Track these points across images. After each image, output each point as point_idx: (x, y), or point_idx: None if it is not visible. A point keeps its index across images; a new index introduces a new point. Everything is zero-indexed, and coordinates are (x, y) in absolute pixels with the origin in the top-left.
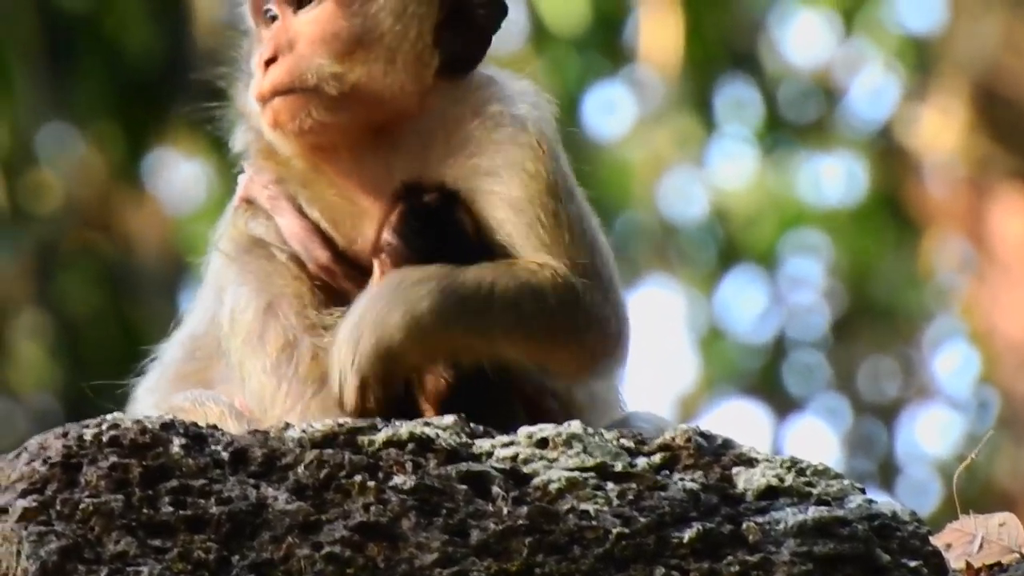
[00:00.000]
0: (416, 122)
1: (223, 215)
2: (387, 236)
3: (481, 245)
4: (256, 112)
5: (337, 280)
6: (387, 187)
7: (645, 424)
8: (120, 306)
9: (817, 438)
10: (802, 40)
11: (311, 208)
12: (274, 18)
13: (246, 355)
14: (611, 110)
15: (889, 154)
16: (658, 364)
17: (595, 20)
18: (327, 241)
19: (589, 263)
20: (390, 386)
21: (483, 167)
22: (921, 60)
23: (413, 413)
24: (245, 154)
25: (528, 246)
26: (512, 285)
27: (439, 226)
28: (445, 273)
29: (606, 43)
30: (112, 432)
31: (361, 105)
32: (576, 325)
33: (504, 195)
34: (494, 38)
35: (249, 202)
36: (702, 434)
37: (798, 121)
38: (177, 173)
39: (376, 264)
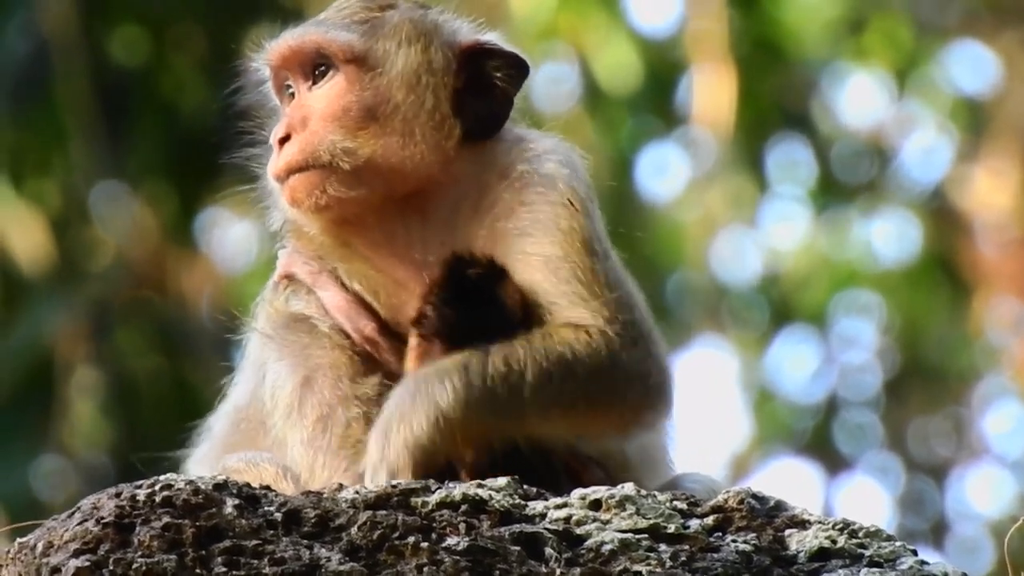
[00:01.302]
0: (444, 189)
1: (262, 291)
2: (426, 308)
3: (526, 318)
4: (276, 190)
5: (381, 352)
6: (420, 256)
7: (695, 485)
8: (174, 365)
9: (869, 497)
10: (855, 101)
11: (351, 281)
12: (293, 95)
13: (286, 428)
14: (664, 171)
15: (941, 215)
16: (710, 424)
17: (648, 81)
18: (371, 313)
19: (627, 318)
20: (427, 475)
21: (515, 229)
22: (974, 121)
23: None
24: (282, 231)
25: (565, 302)
26: (547, 360)
27: (481, 301)
28: (472, 361)
29: (659, 104)
30: (165, 492)
31: (379, 178)
32: (616, 385)
33: (538, 255)
34: (537, 98)
35: (290, 278)
36: (755, 496)
37: (851, 182)
38: (230, 232)
39: (412, 336)
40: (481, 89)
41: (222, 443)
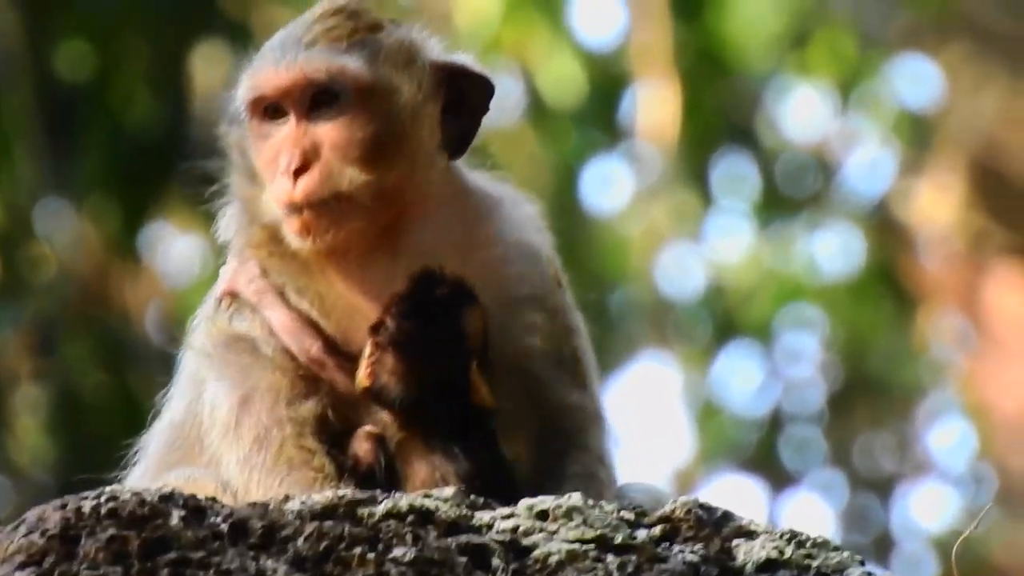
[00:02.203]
0: (424, 213)
1: (200, 307)
2: (386, 317)
3: (477, 350)
4: (274, 215)
5: (328, 371)
6: (389, 280)
7: (640, 495)
8: (119, 379)
9: (813, 513)
10: (799, 114)
11: (301, 299)
12: (277, 115)
13: (223, 447)
14: (609, 184)
15: (885, 228)
16: (654, 438)
17: (593, 94)
18: (318, 332)
19: (604, 419)
20: None
21: (503, 298)
22: (918, 135)
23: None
24: (231, 245)
25: (561, 385)
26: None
27: (443, 320)
28: None
29: (604, 117)
30: (111, 504)
31: (389, 207)
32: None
33: (529, 327)
34: (487, 116)
35: (233, 295)
36: (702, 506)
37: (795, 195)
38: (174, 246)
39: (368, 343)
40: (455, 109)
41: (159, 461)
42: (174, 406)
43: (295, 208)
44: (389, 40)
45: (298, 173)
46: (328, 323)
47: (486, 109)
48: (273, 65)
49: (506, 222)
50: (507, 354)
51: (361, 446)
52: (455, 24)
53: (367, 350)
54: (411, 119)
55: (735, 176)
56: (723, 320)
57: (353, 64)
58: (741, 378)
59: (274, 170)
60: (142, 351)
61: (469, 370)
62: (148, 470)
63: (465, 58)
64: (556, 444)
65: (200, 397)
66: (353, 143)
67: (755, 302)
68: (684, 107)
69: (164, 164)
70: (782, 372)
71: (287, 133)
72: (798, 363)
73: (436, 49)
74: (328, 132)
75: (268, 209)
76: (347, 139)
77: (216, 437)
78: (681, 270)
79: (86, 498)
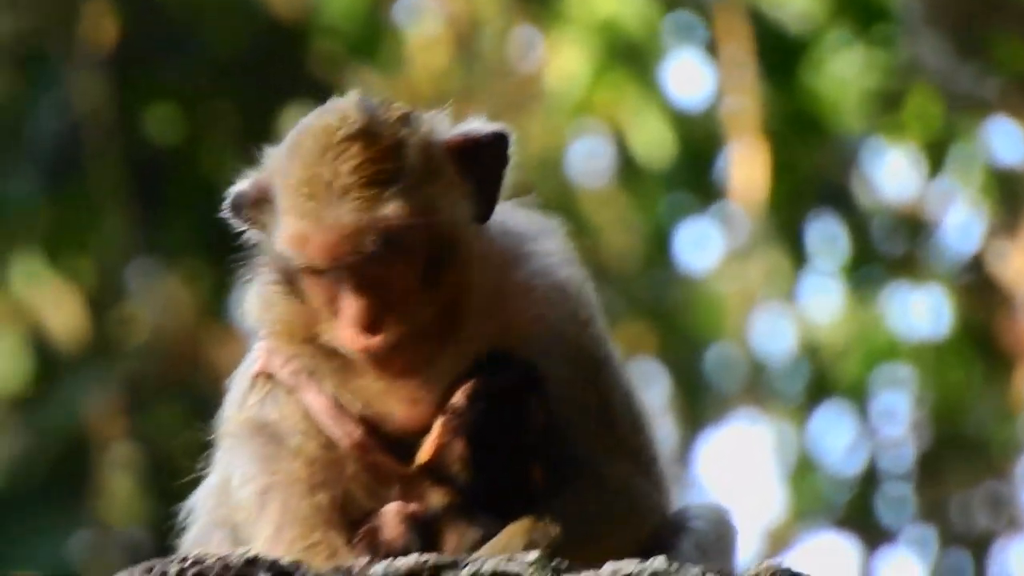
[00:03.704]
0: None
1: (231, 391)
2: (458, 400)
3: (540, 437)
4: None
5: (370, 455)
6: (423, 366)
7: (699, 521)
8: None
9: (906, 570)
10: (891, 175)
11: (332, 383)
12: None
13: (249, 530)
14: (701, 245)
15: (978, 288)
16: (747, 497)
17: (684, 155)
18: (356, 416)
19: (644, 454)
20: None
21: (539, 345)
22: (1010, 193)
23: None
24: (258, 329)
25: (597, 450)
26: (601, 523)
27: (509, 406)
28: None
29: (695, 178)
30: (196, 568)
31: (453, 308)
32: (634, 524)
33: (562, 380)
34: (573, 173)
35: (267, 376)
36: (786, 571)
37: (887, 255)
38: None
39: (437, 425)
40: (475, 175)
41: (208, 520)
42: (215, 471)
43: (373, 353)
44: (417, 158)
45: (372, 327)
46: (361, 406)
47: (506, 162)
48: (317, 234)
49: (532, 263)
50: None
51: (392, 530)
52: (545, 85)
53: (435, 431)
54: (452, 225)
55: (827, 236)
56: (816, 380)
57: (394, 212)
58: (834, 437)
59: (332, 311)
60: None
61: (532, 458)
62: (200, 529)
63: (472, 125)
64: (569, 474)
65: (230, 471)
66: (410, 281)
67: (848, 361)
68: (775, 167)
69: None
70: (875, 430)
71: (345, 287)
72: (891, 422)
73: (444, 128)
74: (387, 277)
75: (326, 335)
76: (404, 280)
77: (244, 518)
78: (774, 330)
79: (172, 561)
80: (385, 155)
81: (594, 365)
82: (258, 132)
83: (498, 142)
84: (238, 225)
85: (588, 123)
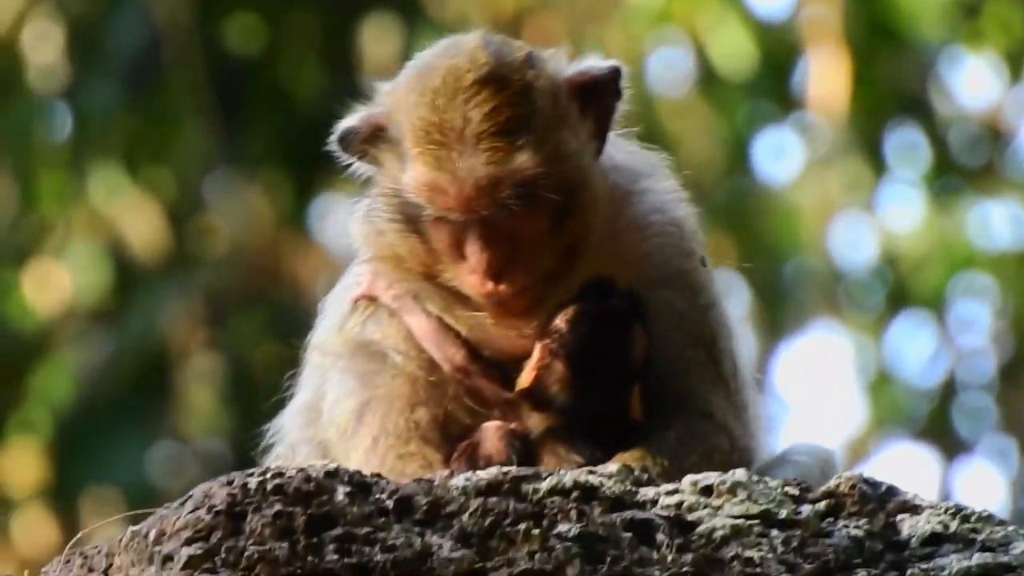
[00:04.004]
0: None
1: (327, 313)
2: (560, 324)
3: (639, 366)
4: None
5: (472, 378)
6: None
7: (804, 456)
8: (289, 352)
9: (985, 481)
10: (971, 84)
11: (434, 307)
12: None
13: (339, 448)
14: (780, 155)
15: None
16: (826, 408)
17: (763, 65)
18: (459, 340)
19: (739, 398)
20: None
21: (646, 278)
22: None
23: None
24: (362, 251)
25: (702, 384)
26: (690, 455)
27: (612, 332)
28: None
29: (775, 88)
30: (276, 480)
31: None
32: (734, 459)
33: (667, 306)
34: (652, 82)
35: (371, 299)
36: (866, 481)
37: (967, 165)
38: (343, 219)
39: (538, 346)
40: (591, 114)
41: (299, 438)
42: (305, 391)
43: (498, 299)
44: (543, 105)
45: (498, 272)
46: (465, 331)
47: (620, 97)
48: (451, 185)
49: (647, 201)
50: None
51: (492, 445)
52: None
53: (536, 354)
54: (579, 169)
55: (907, 146)
56: (895, 290)
57: (528, 162)
58: (913, 348)
59: (456, 255)
60: (311, 324)
61: (631, 385)
62: (286, 447)
63: (589, 62)
64: (674, 405)
65: (323, 390)
66: (539, 229)
67: (927, 272)
68: (855, 77)
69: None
70: (954, 341)
71: (473, 235)
72: (970, 332)
73: (563, 67)
74: (516, 227)
75: (446, 275)
76: (533, 229)
77: (334, 436)
78: (853, 240)
79: (252, 474)
80: (516, 100)
81: (705, 302)
82: (337, 44)
83: (614, 78)
84: (345, 159)
85: (667, 32)
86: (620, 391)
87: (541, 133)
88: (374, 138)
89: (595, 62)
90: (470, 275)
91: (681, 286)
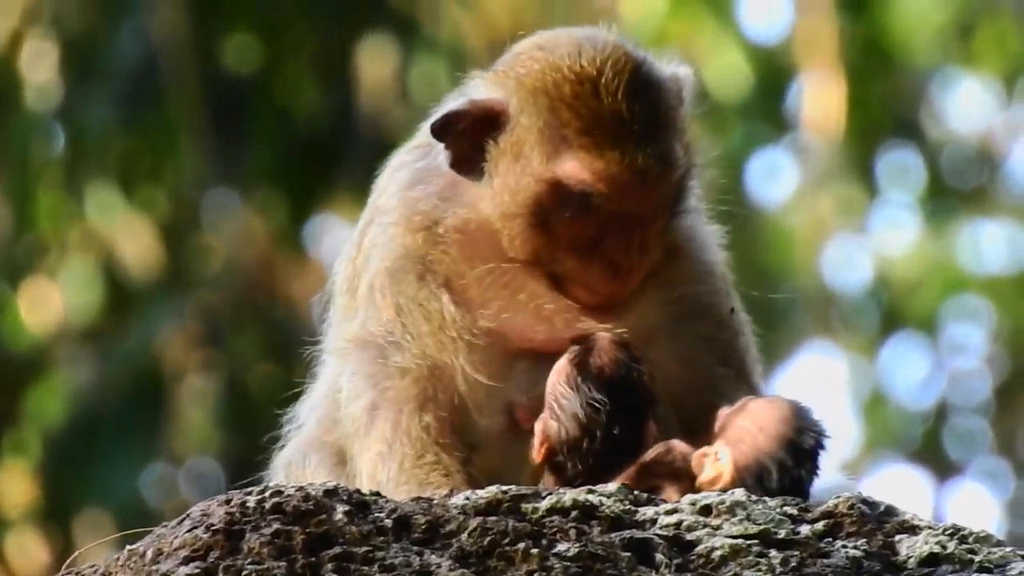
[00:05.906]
0: None
1: (333, 306)
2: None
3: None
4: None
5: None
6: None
7: None
8: (284, 370)
9: (978, 503)
10: (965, 106)
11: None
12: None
13: (355, 446)
14: (774, 176)
15: None
16: None
17: (758, 86)
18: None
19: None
20: None
21: (684, 312)
22: None
23: None
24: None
25: (724, 380)
26: None
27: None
28: None
29: (769, 110)
30: (275, 499)
31: None
32: None
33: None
34: None
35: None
36: (865, 501)
37: (960, 187)
38: (340, 237)
39: (536, 428)
40: None
41: (310, 437)
42: (323, 384)
43: (614, 294)
44: (679, 103)
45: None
46: (485, 312)
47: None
48: (623, 174)
49: (695, 247)
50: (678, 358)
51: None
52: (620, 17)
53: (536, 437)
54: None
55: (900, 168)
56: (888, 312)
57: (683, 158)
58: (907, 370)
59: (587, 247)
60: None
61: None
62: (294, 449)
63: (678, 67)
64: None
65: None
66: (662, 228)
67: (920, 294)
68: (849, 99)
69: (330, 156)
70: (947, 363)
71: (620, 227)
72: (964, 354)
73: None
74: (649, 226)
75: (567, 266)
76: (659, 227)
77: (350, 432)
78: (847, 262)
79: (250, 493)
80: (665, 98)
81: (729, 324)
82: (334, 62)
83: (692, 84)
84: (437, 141)
85: (663, 53)
86: (634, 438)
87: (684, 131)
88: (483, 124)
89: (679, 67)
90: (599, 268)
91: (715, 322)
